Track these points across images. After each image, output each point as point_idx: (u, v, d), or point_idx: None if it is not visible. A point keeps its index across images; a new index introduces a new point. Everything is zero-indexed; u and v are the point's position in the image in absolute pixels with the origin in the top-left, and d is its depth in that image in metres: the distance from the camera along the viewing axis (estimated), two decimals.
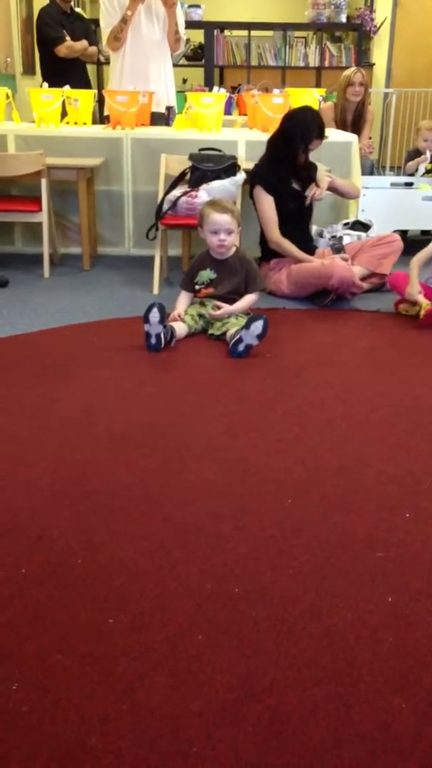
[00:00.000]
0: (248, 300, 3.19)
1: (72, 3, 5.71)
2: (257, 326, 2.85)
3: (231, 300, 3.16)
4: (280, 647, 1.37)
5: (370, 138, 5.39)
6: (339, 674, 1.31)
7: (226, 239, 3.13)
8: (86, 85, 4.94)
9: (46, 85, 4.68)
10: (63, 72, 5.54)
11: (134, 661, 1.34)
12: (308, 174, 3.76)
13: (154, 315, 2.87)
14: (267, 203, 3.68)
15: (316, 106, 4.48)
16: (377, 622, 1.44)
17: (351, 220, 4.23)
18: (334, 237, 3.88)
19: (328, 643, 1.38)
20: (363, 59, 8.30)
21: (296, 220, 3.74)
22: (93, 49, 5.57)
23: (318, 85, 7.79)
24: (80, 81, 5.22)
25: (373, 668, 1.33)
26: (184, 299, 3.23)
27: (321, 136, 3.65)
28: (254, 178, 3.70)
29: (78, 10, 6.00)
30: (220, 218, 3.11)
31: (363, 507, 1.85)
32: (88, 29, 5.66)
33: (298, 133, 3.62)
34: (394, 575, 1.58)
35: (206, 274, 3.19)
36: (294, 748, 1.17)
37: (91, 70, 5.98)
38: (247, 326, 2.86)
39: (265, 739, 1.18)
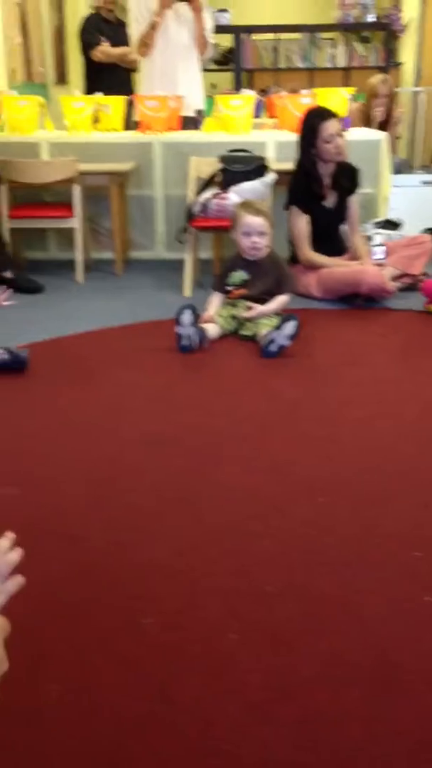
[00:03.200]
0: (280, 301, 3.18)
1: (115, 12, 5.84)
2: (289, 327, 2.85)
3: (263, 301, 3.15)
4: (313, 646, 1.37)
5: (398, 137, 5.36)
6: (374, 673, 1.30)
7: (259, 241, 3.14)
8: (126, 91, 4.99)
9: (78, 92, 4.74)
10: (101, 78, 5.66)
11: (168, 661, 1.34)
12: (348, 179, 3.73)
13: (186, 317, 2.88)
14: (302, 222, 3.68)
15: (345, 106, 4.47)
16: (413, 621, 1.43)
17: (381, 219, 4.20)
18: (380, 247, 3.83)
19: (363, 642, 1.37)
20: (391, 59, 8.23)
21: (327, 233, 3.75)
22: (134, 56, 5.65)
23: (346, 85, 7.73)
24: (119, 87, 5.27)
25: (409, 667, 1.31)
26: (215, 301, 3.23)
27: (324, 118, 3.59)
28: (290, 197, 3.70)
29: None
30: (253, 220, 3.12)
31: (396, 505, 1.84)
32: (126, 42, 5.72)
33: (305, 134, 3.63)
34: (429, 574, 1.57)
35: (238, 276, 3.20)
36: (328, 747, 1.16)
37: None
38: (279, 327, 2.86)
39: (299, 739, 1.17)
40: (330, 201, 3.73)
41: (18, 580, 0.89)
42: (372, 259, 3.66)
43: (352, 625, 1.42)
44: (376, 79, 5.17)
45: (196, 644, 1.38)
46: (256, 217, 3.12)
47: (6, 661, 0.86)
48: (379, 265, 3.63)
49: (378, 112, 5.06)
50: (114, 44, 5.69)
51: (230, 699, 1.25)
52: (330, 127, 3.56)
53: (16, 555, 0.90)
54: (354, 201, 3.78)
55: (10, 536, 0.92)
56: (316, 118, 3.60)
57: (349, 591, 1.51)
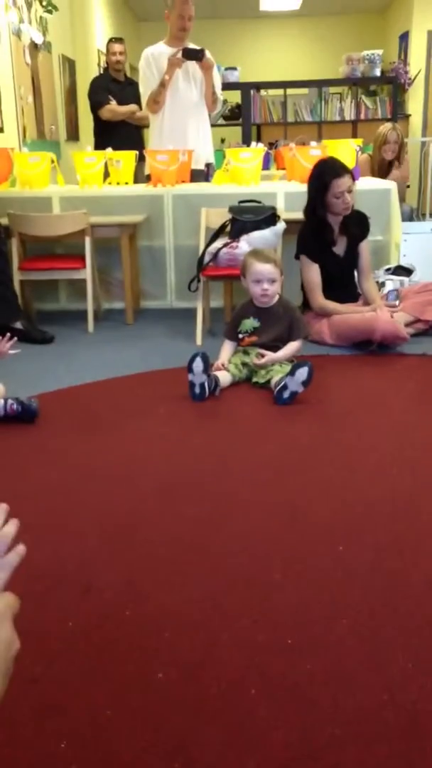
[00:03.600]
0: (292, 348, 3.17)
1: (124, 71, 6.09)
2: (302, 373, 2.82)
3: (275, 348, 3.14)
4: (338, 701, 1.31)
5: (408, 186, 5.42)
6: (402, 730, 1.24)
7: (269, 288, 3.14)
8: (135, 146, 5.11)
9: (90, 147, 4.84)
10: (109, 134, 5.86)
11: (186, 717, 1.28)
12: (357, 225, 3.75)
13: (198, 365, 2.87)
14: (312, 271, 3.71)
15: (353, 157, 4.53)
16: None
17: (393, 265, 4.22)
18: (393, 291, 3.84)
19: (389, 697, 1.31)
20: (399, 111, 8.40)
21: (339, 279, 3.77)
22: (142, 113, 5.82)
23: (354, 137, 7.88)
24: (127, 142, 5.40)
25: None
26: (227, 348, 3.23)
27: (338, 174, 3.59)
28: (299, 247, 3.73)
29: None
30: (263, 268, 3.12)
31: (418, 553, 1.78)
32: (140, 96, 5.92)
33: (316, 186, 3.66)
34: None
35: (249, 323, 3.19)
36: None
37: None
38: (292, 373, 2.84)
39: None
40: (340, 248, 3.75)
41: (19, 551, 0.85)
42: (386, 302, 3.66)
43: (378, 680, 1.36)
44: (385, 127, 5.25)
45: (215, 699, 1.32)
46: (266, 264, 3.13)
47: (17, 641, 0.83)
48: (392, 307, 3.63)
49: (388, 153, 5.12)
50: (122, 102, 5.90)
51: (252, 757, 1.19)
52: (342, 184, 3.58)
53: (12, 527, 0.86)
54: (364, 247, 3.80)
55: (3, 507, 0.88)
56: (328, 175, 3.60)
57: (373, 645, 1.45)
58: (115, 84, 6.11)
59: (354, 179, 3.67)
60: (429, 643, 1.45)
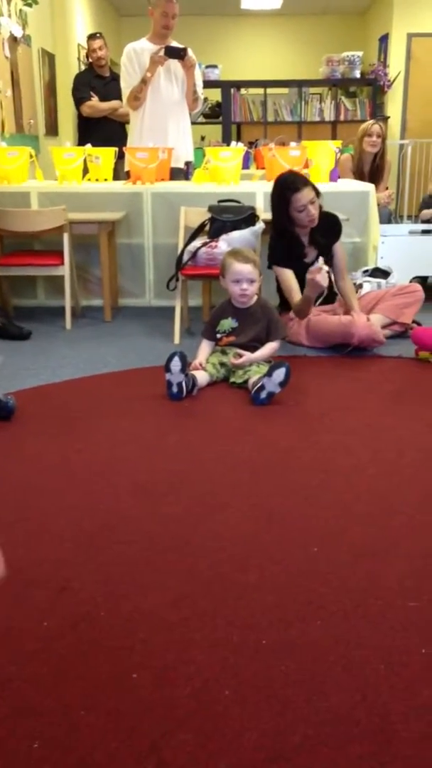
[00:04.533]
0: (270, 348, 3.18)
1: (108, 66, 6.08)
2: (279, 374, 2.84)
3: (252, 348, 3.15)
4: (311, 702, 1.32)
5: (387, 188, 5.44)
6: (374, 730, 1.25)
7: (248, 288, 3.15)
8: (118, 143, 5.09)
9: (69, 143, 4.82)
10: (91, 130, 5.86)
11: (159, 718, 1.29)
12: (327, 231, 3.69)
13: (176, 364, 2.87)
14: (286, 275, 3.65)
15: (332, 158, 4.55)
16: (412, 675, 1.38)
17: (371, 267, 4.25)
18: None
19: (361, 698, 1.32)
20: (378, 112, 8.46)
21: None
22: (124, 109, 5.81)
23: (334, 138, 7.92)
24: (109, 139, 5.39)
25: (409, 724, 1.27)
26: (205, 348, 3.23)
27: (297, 188, 3.51)
28: (270, 257, 3.67)
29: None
30: (242, 268, 3.13)
31: (393, 555, 1.80)
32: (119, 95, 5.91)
33: (275, 205, 3.63)
34: (427, 626, 1.53)
35: (228, 323, 3.20)
36: None
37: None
38: (269, 374, 2.85)
39: None
40: (311, 256, 3.64)
41: None
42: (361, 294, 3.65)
43: (351, 681, 1.37)
44: (367, 122, 5.27)
45: (188, 700, 1.33)
46: (245, 264, 3.13)
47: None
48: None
49: (368, 146, 5.12)
50: (105, 98, 5.89)
51: (225, 758, 1.20)
52: (302, 197, 3.51)
53: None
54: (338, 248, 3.75)
55: None
56: (287, 190, 3.54)
57: (347, 647, 1.46)
58: (99, 80, 6.11)
59: (316, 190, 3.57)
60: (401, 644, 1.47)
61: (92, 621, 1.55)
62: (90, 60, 6.36)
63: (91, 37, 6.18)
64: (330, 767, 1.18)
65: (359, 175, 5.23)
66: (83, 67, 7.37)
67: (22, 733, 1.25)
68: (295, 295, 3.62)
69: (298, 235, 3.65)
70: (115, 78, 6.10)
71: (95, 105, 5.99)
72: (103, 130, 5.91)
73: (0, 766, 1.18)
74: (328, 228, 3.70)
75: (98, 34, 6.22)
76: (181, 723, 1.27)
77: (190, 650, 1.46)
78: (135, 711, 1.30)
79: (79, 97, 6.09)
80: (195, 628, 1.52)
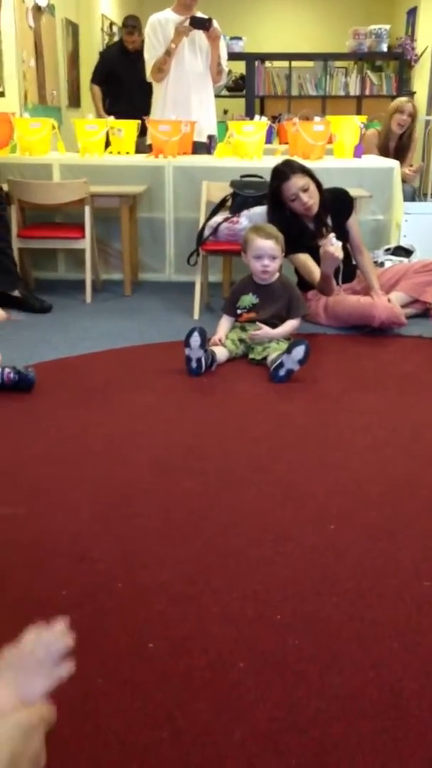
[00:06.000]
0: (290, 325, 3.17)
1: (137, 43, 5.88)
2: (299, 351, 2.83)
3: (272, 325, 3.14)
4: (324, 677, 1.33)
5: (412, 165, 5.37)
6: (386, 707, 1.27)
7: (270, 265, 3.13)
8: (140, 114, 5.05)
9: (91, 115, 4.80)
10: (116, 99, 5.88)
11: (175, 687, 1.31)
12: (336, 209, 3.58)
13: (195, 339, 2.87)
14: (302, 259, 3.53)
15: (357, 133, 4.50)
16: (425, 654, 1.39)
17: (393, 245, 4.21)
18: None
19: (375, 674, 1.34)
20: (404, 88, 8.32)
21: None
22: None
23: (358, 113, 7.81)
24: (133, 109, 5.35)
25: (422, 702, 1.28)
26: (225, 324, 3.23)
27: (286, 177, 3.42)
28: (285, 248, 3.41)
29: None
30: (264, 244, 3.11)
31: (409, 534, 1.80)
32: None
33: (270, 197, 3.54)
34: None
35: (248, 299, 3.19)
36: None
37: None
38: (288, 351, 2.85)
39: None
40: (323, 240, 3.46)
41: (69, 667, 0.85)
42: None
43: (365, 658, 1.38)
44: (400, 99, 5.20)
45: (204, 671, 1.35)
46: (267, 240, 3.11)
47: (44, 756, 0.80)
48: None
49: (400, 124, 5.06)
50: (129, 74, 5.79)
51: (239, 729, 1.22)
52: (292, 186, 3.42)
53: (70, 639, 0.86)
54: (352, 223, 3.63)
55: (64, 621, 0.88)
56: (276, 179, 3.46)
57: (361, 623, 1.48)
58: (125, 56, 6.01)
59: (312, 176, 3.47)
60: (415, 623, 1.48)
61: (110, 591, 1.57)
62: (122, 39, 6.30)
63: (129, 32, 5.99)
64: (343, 741, 1.19)
65: (384, 151, 5.17)
66: (106, 39, 7.30)
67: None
68: (316, 275, 3.51)
69: (304, 223, 3.54)
70: (141, 54, 5.92)
71: (96, 93, 6.15)
72: (128, 101, 5.85)
73: None
74: (338, 206, 3.60)
75: (134, 25, 5.97)
76: (197, 693, 1.30)
77: (205, 623, 1.48)
78: (151, 680, 1.33)
79: (94, 75, 6.25)
80: (210, 602, 1.54)
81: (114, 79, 6.00)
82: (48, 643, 0.85)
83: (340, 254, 3.20)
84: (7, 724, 0.78)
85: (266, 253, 3.11)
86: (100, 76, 6.14)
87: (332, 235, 3.24)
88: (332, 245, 3.16)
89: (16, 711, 0.80)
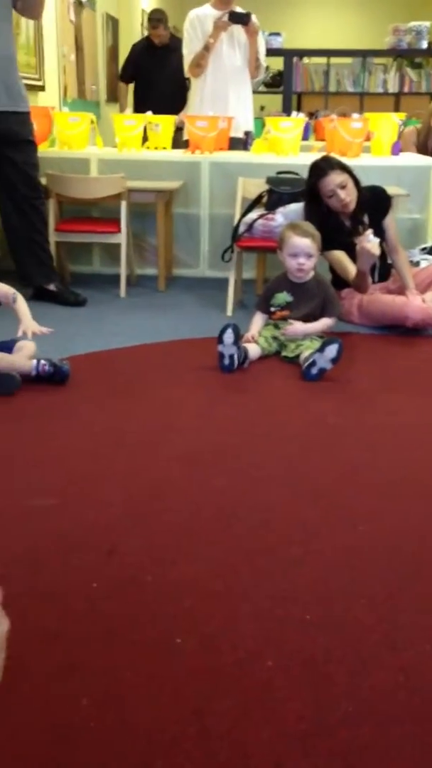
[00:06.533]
0: (323, 323, 3.15)
1: (163, 38, 5.84)
2: (332, 350, 2.81)
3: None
4: (353, 679, 1.33)
5: None
6: (417, 712, 1.25)
7: (305, 263, 3.11)
8: (177, 111, 5.05)
9: (129, 110, 4.82)
10: (145, 96, 5.86)
11: (202, 684, 1.31)
12: (372, 208, 3.54)
13: (229, 336, 2.86)
14: (337, 256, 3.49)
15: (395, 131, 4.45)
16: None
17: (429, 244, 4.16)
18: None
19: (405, 678, 1.33)
20: None
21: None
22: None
23: (397, 110, 7.72)
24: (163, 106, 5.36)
25: None
26: (258, 321, 3.22)
27: (324, 173, 3.40)
28: (322, 246, 3.36)
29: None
30: (301, 242, 3.10)
31: None
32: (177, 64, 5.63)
33: (307, 193, 3.53)
34: None
35: (282, 297, 3.18)
36: None
37: None
38: (321, 349, 2.83)
39: None
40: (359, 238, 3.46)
41: (5, 623, 0.87)
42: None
43: (394, 661, 1.37)
44: None
45: (231, 668, 1.35)
46: (304, 238, 3.10)
47: (6, 621, 0.84)
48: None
49: None
50: (157, 69, 5.78)
51: (267, 728, 1.22)
52: (329, 182, 3.39)
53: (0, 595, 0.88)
54: (389, 223, 3.58)
55: None
56: (314, 176, 3.45)
57: (391, 626, 1.46)
58: (152, 51, 5.98)
59: (350, 173, 3.44)
60: None
61: (139, 585, 1.58)
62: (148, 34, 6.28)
63: (154, 26, 5.93)
64: (371, 745, 1.19)
65: (423, 149, 5.10)
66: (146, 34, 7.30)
67: (70, 689, 1.29)
68: (351, 273, 3.46)
69: (341, 220, 3.51)
70: (169, 49, 5.81)
71: (123, 89, 6.20)
72: (158, 97, 5.84)
73: (50, 720, 1.21)
74: (375, 204, 3.56)
75: (159, 18, 5.90)
76: (225, 690, 1.30)
77: (234, 620, 1.48)
78: (179, 676, 1.33)
79: (121, 73, 6.31)
80: (239, 599, 1.54)
81: (143, 76, 5.96)
82: None
83: (376, 251, 3.17)
84: None
85: (302, 251, 3.09)
86: (127, 73, 6.13)
87: (369, 231, 3.21)
88: (369, 242, 3.13)
89: None
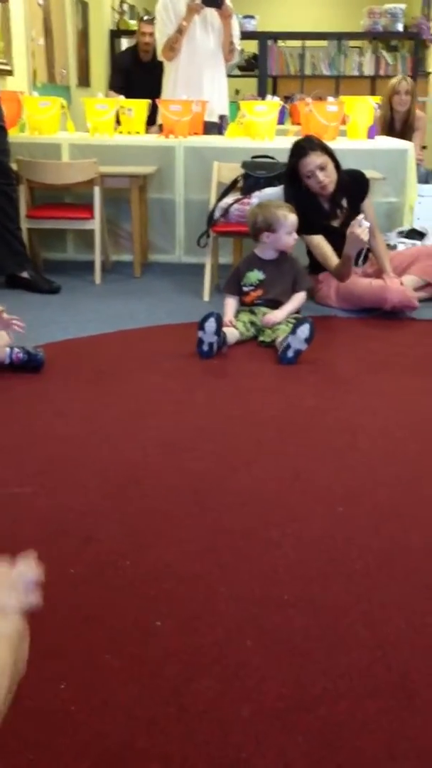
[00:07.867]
0: (298, 299, 3.17)
1: (152, 53, 5.74)
2: (304, 330, 2.80)
3: (279, 305, 3.13)
4: (331, 657, 1.34)
5: (424, 147, 5.32)
6: (393, 687, 1.27)
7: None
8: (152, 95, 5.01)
9: (101, 94, 4.77)
10: (129, 83, 5.80)
11: (182, 664, 1.32)
12: (352, 190, 3.55)
13: (210, 324, 2.84)
14: (317, 241, 3.49)
15: (371, 114, 4.45)
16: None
17: (406, 228, 4.17)
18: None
19: (381, 655, 1.34)
20: (419, 68, 8.21)
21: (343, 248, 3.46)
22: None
23: (372, 94, 7.72)
24: (146, 93, 5.30)
25: (429, 681, 1.28)
26: (231, 304, 3.20)
27: (304, 153, 3.42)
28: (301, 228, 3.38)
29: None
30: (295, 218, 3.17)
31: (418, 518, 1.80)
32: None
33: (287, 173, 3.55)
34: None
35: (254, 276, 3.17)
36: (345, 760, 1.13)
37: None
38: (293, 331, 2.82)
39: (316, 750, 1.14)
40: (337, 221, 3.52)
41: (38, 597, 0.88)
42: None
43: (372, 638, 1.38)
44: (395, 79, 5.16)
45: (210, 648, 1.35)
46: (293, 214, 3.18)
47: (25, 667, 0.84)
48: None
49: (401, 104, 5.02)
50: (144, 85, 5.66)
51: (246, 706, 1.22)
52: (309, 163, 3.40)
53: (40, 572, 0.88)
54: (367, 206, 3.59)
55: (33, 555, 0.90)
56: (294, 156, 3.47)
57: (368, 604, 1.48)
58: (139, 66, 5.93)
59: (331, 156, 3.45)
60: (423, 605, 1.48)
61: (118, 570, 1.58)
62: (136, 42, 6.20)
63: (146, 22, 5.83)
64: (349, 720, 1.20)
65: (389, 133, 5.10)
66: (117, 17, 7.22)
67: (49, 674, 1.29)
68: (331, 259, 3.46)
69: (319, 202, 3.51)
70: (156, 65, 5.73)
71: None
72: (141, 84, 5.77)
73: (30, 705, 1.21)
74: (353, 187, 3.56)
75: (153, 20, 5.89)
76: (204, 670, 1.30)
77: (213, 602, 1.48)
78: (158, 657, 1.33)
79: (110, 84, 6.14)
80: (218, 581, 1.54)
81: (134, 94, 5.87)
82: (21, 573, 0.88)
83: (366, 237, 3.16)
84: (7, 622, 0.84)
85: (295, 227, 3.18)
86: (117, 85, 6.04)
87: (361, 217, 3.20)
88: (360, 227, 3.13)
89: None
